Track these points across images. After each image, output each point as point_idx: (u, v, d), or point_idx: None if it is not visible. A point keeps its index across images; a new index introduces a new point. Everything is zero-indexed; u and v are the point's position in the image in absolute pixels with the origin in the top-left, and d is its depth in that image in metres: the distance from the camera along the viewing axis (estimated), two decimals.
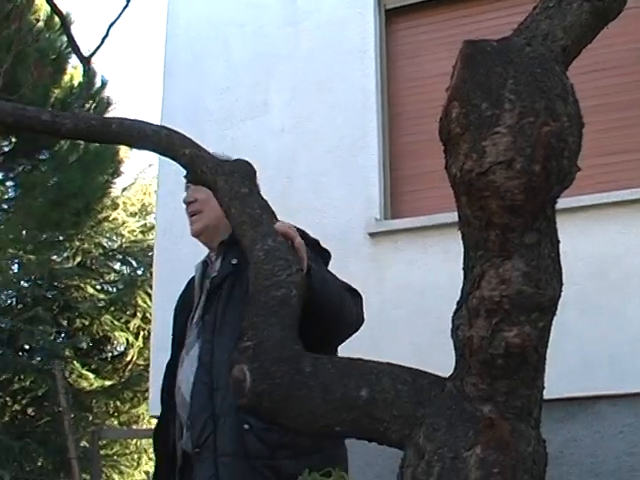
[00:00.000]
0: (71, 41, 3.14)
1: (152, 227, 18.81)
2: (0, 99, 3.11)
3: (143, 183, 20.18)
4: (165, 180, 7.21)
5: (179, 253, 6.82)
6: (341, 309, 3.16)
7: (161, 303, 6.99)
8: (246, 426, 3.00)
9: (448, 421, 2.05)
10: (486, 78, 1.83)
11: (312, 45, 7.18)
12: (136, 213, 19.49)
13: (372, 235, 6.58)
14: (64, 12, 12.23)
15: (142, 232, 18.84)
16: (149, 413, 7.85)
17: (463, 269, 2.00)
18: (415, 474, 2.03)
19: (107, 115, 12.20)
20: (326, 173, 6.81)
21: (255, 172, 2.78)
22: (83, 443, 15.98)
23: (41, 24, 11.69)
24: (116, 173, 13.61)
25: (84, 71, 2.93)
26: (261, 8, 7.49)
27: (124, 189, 18.45)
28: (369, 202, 6.66)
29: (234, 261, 3.30)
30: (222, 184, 2.70)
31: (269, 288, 2.40)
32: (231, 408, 3.04)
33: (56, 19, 12.11)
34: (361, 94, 6.94)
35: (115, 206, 17.26)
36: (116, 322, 17.54)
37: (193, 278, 3.54)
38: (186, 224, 6.85)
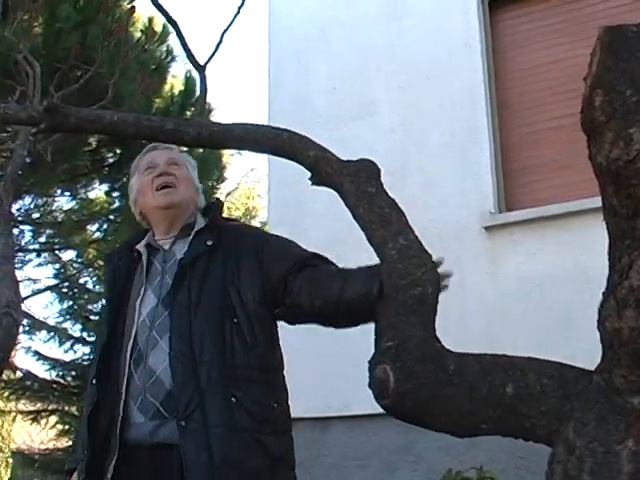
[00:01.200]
0: (186, 49, 3.17)
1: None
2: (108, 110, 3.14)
3: (246, 187, 20.38)
4: (275, 184, 7.25)
5: None
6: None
7: None
8: (233, 399, 3.01)
9: (597, 415, 2.01)
10: (629, 64, 1.78)
11: (416, 41, 7.10)
12: (241, 217, 19.65)
13: (487, 229, 6.49)
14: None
15: None
16: None
17: (609, 259, 1.96)
18: (566, 470, 2.00)
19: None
20: (438, 169, 6.74)
21: (380, 171, 2.76)
22: None
23: (139, 35, 11.83)
24: (220, 179, 13.68)
25: (201, 78, 2.96)
26: (363, 6, 7.46)
27: (228, 194, 18.63)
28: (483, 196, 6.57)
29: (209, 242, 3.28)
30: (348, 185, 2.69)
31: (406, 287, 2.38)
32: (218, 381, 3.04)
33: (156, 29, 12.29)
34: (469, 88, 6.85)
35: None
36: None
37: (115, 261, 3.48)
38: (298, 225, 6.95)
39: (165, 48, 12.40)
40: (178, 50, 12.25)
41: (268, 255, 3.25)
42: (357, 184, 2.68)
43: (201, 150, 12.19)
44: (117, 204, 13.16)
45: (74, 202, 13.50)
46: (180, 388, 3.00)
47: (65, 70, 6.59)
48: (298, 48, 7.60)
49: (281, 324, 3.22)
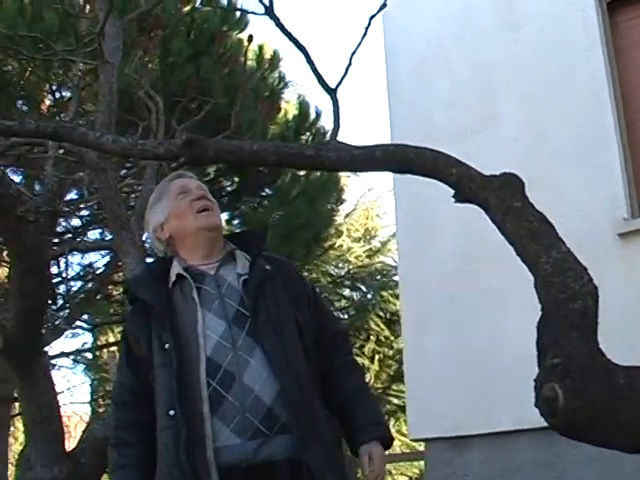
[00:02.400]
0: (316, 74, 3.13)
1: (378, 250, 18.93)
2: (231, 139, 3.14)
3: (364, 208, 20.39)
4: (402, 203, 7.22)
5: (423, 272, 6.80)
6: None
7: (411, 326, 7.00)
8: (327, 412, 3.20)
9: None
10: None
11: (535, 49, 6.98)
12: (360, 238, 19.66)
13: (622, 235, 6.30)
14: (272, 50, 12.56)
15: (368, 256, 18.96)
16: (410, 436, 7.82)
17: None
18: None
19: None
20: (566, 177, 6.58)
21: (524, 184, 2.69)
22: None
23: (252, 63, 11.93)
24: (339, 201, 13.71)
25: (333, 102, 2.93)
26: (477, 18, 7.38)
27: (347, 215, 18.67)
28: (615, 202, 6.39)
29: (268, 267, 3.37)
30: (493, 200, 2.62)
31: (566, 301, 2.30)
32: (315, 396, 3.19)
33: (266, 56, 12.41)
34: (593, 93, 6.68)
35: (339, 233, 17.44)
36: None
37: (145, 288, 3.45)
38: (428, 244, 6.90)
39: (277, 74, 12.52)
40: (290, 76, 12.34)
41: (320, 310, 3.52)
42: (502, 199, 2.61)
43: (319, 173, 12.28)
44: (238, 231, 13.29)
45: None
46: (291, 403, 3.07)
47: (185, 103, 6.66)
48: (416, 65, 7.56)
49: None
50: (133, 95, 6.70)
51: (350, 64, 3.31)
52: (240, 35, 11.86)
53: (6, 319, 4.70)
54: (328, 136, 12.25)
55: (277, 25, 3.25)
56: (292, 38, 3.24)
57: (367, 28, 3.41)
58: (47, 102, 11.71)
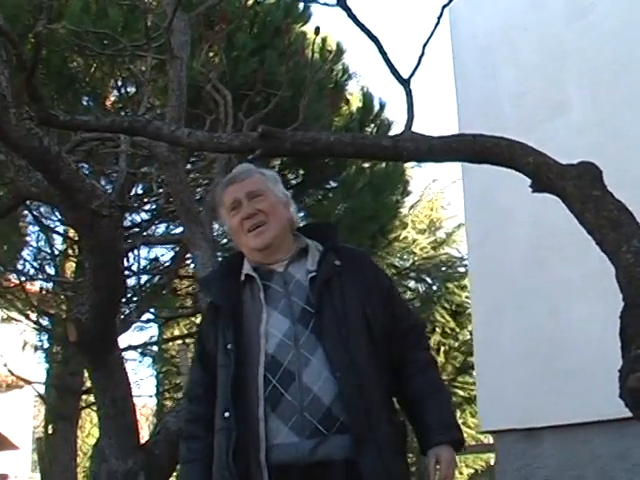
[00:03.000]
0: (389, 64, 3.11)
1: (443, 242, 18.88)
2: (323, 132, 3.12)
3: (429, 199, 20.34)
4: (471, 194, 7.18)
5: (493, 264, 6.76)
6: None
7: (481, 317, 6.96)
8: (388, 422, 3.13)
9: None
10: None
11: (605, 35, 6.84)
12: (425, 230, 19.61)
13: None
14: (336, 43, 12.53)
15: (433, 248, 18.92)
16: (480, 428, 7.78)
17: None
18: None
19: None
20: (639, 165, 6.48)
21: (601, 173, 2.66)
22: None
23: (315, 55, 11.90)
24: (405, 192, 13.65)
25: (406, 93, 2.90)
26: (543, 8, 7.28)
27: (411, 207, 18.63)
28: None
29: (337, 262, 3.35)
30: (571, 189, 2.60)
31: None
32: (376, 396, 3.15)
33: (329, 48, 12.37)
34: None
35: (404, 225, 17.41)
36: None
37: (218, 286, 3.54)
38: (497, 234, 6.85)
39: (341, 67, 12.48)
40: (354, 67, 12.31)
41: (395, 304, 3.46)
42: (580, 188, 2.59)
43: (384, 164, 12.25)
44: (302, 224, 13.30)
45: None
46: (350, 404, 3.06)
47: (252, 96, 6.68)
48: (482, 56, 7.50)
49: None
50: (200, 89, 6.73)
51: (423, 54, 3.30)
52: (304, 28, 11.87)
53: (80, 313, 4.75)
54: (391, 128, 12.20)
55: (349, 16, 3.24)
56: (364, 29, 3.23)
57: (439, 17, 3.39)
58: (112, 98, 11.81)
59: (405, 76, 3.16)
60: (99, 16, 9.47)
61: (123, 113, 10.82)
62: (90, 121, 3.37)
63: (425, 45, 3.25)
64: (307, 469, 3.04)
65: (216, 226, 4.92)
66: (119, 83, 11.41)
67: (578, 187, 2.60)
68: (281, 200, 3.51)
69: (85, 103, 11.27)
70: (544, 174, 2.68)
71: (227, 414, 3.14)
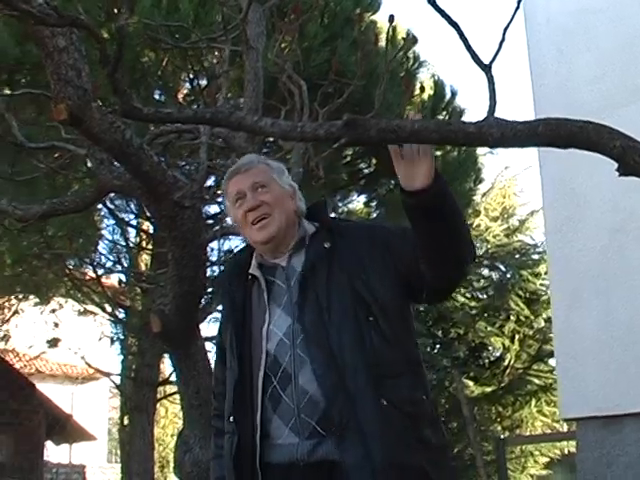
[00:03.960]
0: (470, 50, 3.09)
1: (516, 229, 18.77)
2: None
3: (501, 186, 20.23)
4: (548, 179, 7.10)
5: (571, 249, 6.69)
6: (462, 232, 3.12)
7: (560, 303, 6.89)
8: (384, 402, 2.97)
9: None
10: None
11: None
12: (498, 217, 19.51)
13: None
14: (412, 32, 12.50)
15: (506, 235, 18.83)
16: (561, 416, 7.71)
17: None
18: None
19: None
20: None
21: None
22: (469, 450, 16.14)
23: (386, 44, 11.86)
24: (477, 180, 13.60)
25: (488, 78, 2.88)
26: None
27: (484, 194, 18.55)
28: None
29: (326, 244, 3.22)
30: None
31: None
32: (365, 385, 2.99)
33: (399, 37, 12.34)
34: None
35: (477, 213, 17.37)
36: (491, 328, 17.58)
37: (227, 286, 3.50)
38: (576, 220, 6.78)
39: (411, 55, 12.45)
40: (424, 55, 12.27)
41: (393, 240, 3.21)
42: None
43: (456, 152, 12.21)
44: (375, 214, 13.31)
45: (333, 215, 13.79)
46: (330, 400, 2.99)
47: (326, 86, 6.68)
48: (558, 40, 7.40)
49: None
50: (274, 80, 6.76)
51: (503, 39, 3.26)
52: (373, 17, 11.87)
53: (164, 304, 4.82)
54: (463, 115, 12.13)
55: (429, 2, 3.23)
56: (445, 15, 3.21)
57: (519, 1, 3.35)
58: (184, 91, 11.92)
59: (485, 62, 3.14)
60: (169, 10, 9.56)
61: (195, 106, 10.91)
62: (173, 113, 3.38)
63: (505, 29, 3.23)
64: (307, 469, 3.02)
65: None
66: (191, 76, 11.51)
67: None
68: (287, 191, 3.41)
69: (157, 97, 11.39)
70: (631, 157, 2.65)
71: (231, 418, 3.19)
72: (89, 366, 17.14)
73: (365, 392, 2.98)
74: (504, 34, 3.22)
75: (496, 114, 2.85)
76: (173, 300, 4.75)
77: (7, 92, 5.85)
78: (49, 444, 21.36)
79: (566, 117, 2.83)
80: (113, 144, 3.84)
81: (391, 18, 6.04)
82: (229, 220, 3.57)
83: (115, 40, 3.57)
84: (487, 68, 3.11)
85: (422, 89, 11.16)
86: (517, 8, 3.37)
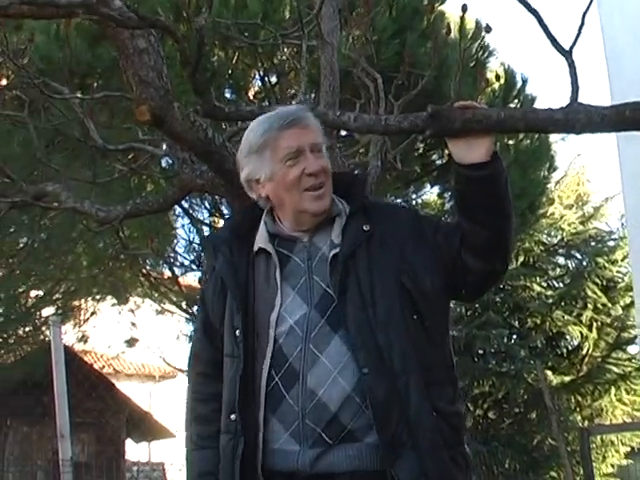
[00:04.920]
0: (550, 36, 3.08)
1: (591, 216, 18.58)
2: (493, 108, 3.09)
3: (574, 174, 20.03)
4: (627, 164, 7.04)
5: None
6: (509, 214, 2.89)
7: None
8: (434, 413, 2.68)
9: None
10: None
11: None
12: (572, 205, 19.33)
13: None
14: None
15: (581, 223, 18.65)
16: None
17: None
18: None
19: None
20: None
21: None
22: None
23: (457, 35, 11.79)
24: (551, 168, 13.44)
25: (569, 64, 2.84)
26: None
27: (557, 182, 18.37)
28: None
29: (366, 227, 2.83)
30: None
31: None
32: (418, 393, 2.67)
33: (468, 27, 12.24)
34: None
35: (551, 201, 17.20)
36: (568, 317, 17.42)
37: (225, 251, 2.97)
38: None
39: (481, 44, 12.33)
40: (495, 44, 12.19)
41: (437, 229, 2.92)
42: None
43: (528, 141, 12.09)
44: (448, 205, 13.24)
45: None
46: (382, 409, 2.64)
47: (399, 78, 6.66)
48: (632, 25, 7.32)
49: None
50: (348, 73, 6.76)
51: (583, 24, 3.24)
52: (441, 7, 11.80)
53: None
54: (535, 103, 12.02)
55: None
56: (524, 2, 3.21)
57: None
58: (254, 89, 11.96)
59: (566, 47, 3.12)
60: (238, 8, 9.61)
61: (266, 103, 10.95)
62: (255, 110, 3.42)
63: (585, 14, 3.20)
64: None
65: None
66: (261, 73, 11.55)
67: None
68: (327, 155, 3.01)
69: (228, 95, 11.45)
70: None
71: (233, 416, 2.79)
72: (167, 364, 17.29)
73: (418, 400, 2.68)
74: (583, 19, 3.19)
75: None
76: None
77: (84, 96, 5.94)
78: (129, 442, 21.59)
79: None
80: (195, 143, 3.88)
81: (464, 7, 6.02)
82: (244, 174, 2.94)
83: (194, 40, 3.61)
84: (568, 53, 3.08)
85: (497, 78, 11.09)
86: None
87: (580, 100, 2.79)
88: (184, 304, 13.90)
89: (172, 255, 13.33)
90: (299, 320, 2.75)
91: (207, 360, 3.02)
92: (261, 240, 2.93)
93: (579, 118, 2.71)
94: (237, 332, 2.81)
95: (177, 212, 12.94)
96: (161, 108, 3.87)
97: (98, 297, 15.23)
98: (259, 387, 2.75)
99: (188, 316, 14.41)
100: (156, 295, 14.20)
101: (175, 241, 13.41)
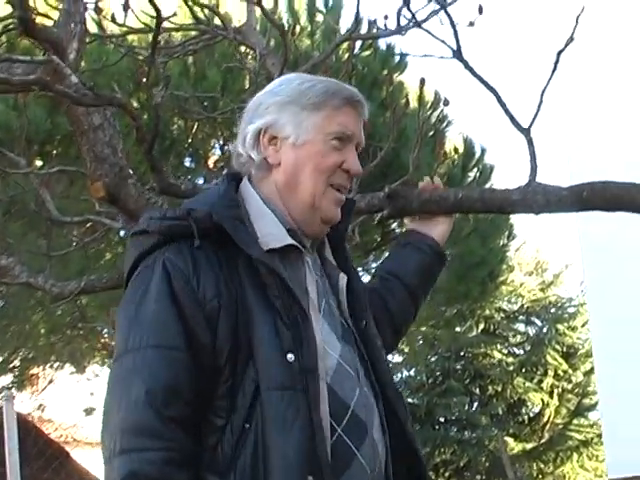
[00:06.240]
0: (508, 113, 3.09)
1: (550, 283, 18.71)
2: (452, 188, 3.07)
3: (534, 241, 20.25)
4: (587, 238, 7.07)
5: (613, 305, 6.63)
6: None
7: (604, 362, 6.82)
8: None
9: None
10: None
11: None
12: (532, 272, 19.50)
13: None
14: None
15: (541, 290, 18.79)
16: (608, 477, 7.58)
17: None
18: None
19: (490, 182, 12.22)
20: None
21: None
22: None
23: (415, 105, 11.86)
24: (511, 236, 13.52)
25: (527, 141, 2.82)
26: None
27: (516, 250, 18.52)
28: None
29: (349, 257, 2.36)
30: None
31: None
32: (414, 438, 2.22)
33: (426, 98, 12.34)
34: None
35: (511, 268, 17.30)
36: (529, 383, 17.51)
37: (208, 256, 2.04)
38: (616, 275, 6.69)
39: (438, 115, 12.41)
40: (453, 114, 12.26)
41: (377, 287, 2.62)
42: None
43: None
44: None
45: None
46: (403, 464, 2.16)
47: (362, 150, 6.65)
48: (593, 105, 7.36)
49: None
50: None
51: (541, 102, 3.25)
52: (400, 78, 11.88)
53: None
54: (493, 172, 12.07)
55: (466, 67, 3.23)
56: (482, 80, 3.21)
57: (556, 64, 3.34)
58: (214, 157, 11.96)
59: (525, 125, 3.12)
60: (198, 78, 9.63)
61: (226, 171, 10.94)
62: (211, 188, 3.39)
63: (543, 92, 3.21)
64: None
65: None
66: (221, 142, 11.55)
67: None
68: None
69: (187, 164, 11.44)
70: None
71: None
72: None
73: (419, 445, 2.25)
74: (542, 97, 3.20)
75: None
76: None
77: (41, 168, 5.88)
78: None
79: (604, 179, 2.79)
80: None
81: (422, 81, 6.05)
82: (261, 121, 2.21)
83: (150, 117, 3.58)
84: (526, 131, 3.08)
85: (456, 150, 11.14)
86: (553, 71, 3.35)
87: (540, 177, 2.79)
88: None
89: None
90: (344, 355, 2.10)
91: (187, 399, 1.94)
92: (284, 237, 2.14)
93: (536, 199, 2.70)
94: (289, 356, 1.95)
95: None
96: (116, 185, 3.80)
97: (56, 365, 15.07)
98: (322, 440, 1.95)
99: None
100: None
101: None
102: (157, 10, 3.47)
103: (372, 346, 2.22)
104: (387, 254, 2.86)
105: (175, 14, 4.78)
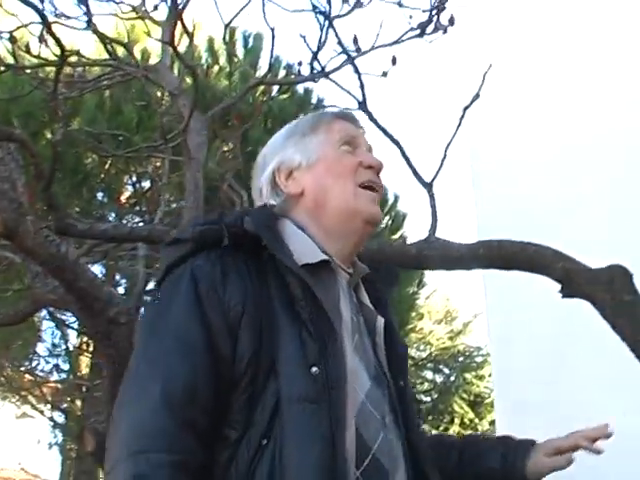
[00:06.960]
0: (412, 168, 3.09)
1: (459, 332, 18.86)
2: None
3: (444, 290, 20.39)
4: (491, 289, 7.12)
5: (515, 356, 6.67)
6: None
7: (504, 411, 6.85)
8: None
9: None
10: None
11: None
12: (441, 320, 19.63)
13: None
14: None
15: (450, 338, 18.93)
16: None
17: None
18: None
19: (402, 230, 12.32)
20: None
21: (632, 275, 2.60)
22: None
23: None
24: (421, 284, 13.64)
25: (430, 196, 2.83)
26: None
27: (426, 298, 18.65)
28: None
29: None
30: (602, 295, 2.54)
31: None
32: None
33: None
34: None
35: (420, 316, 17.43)
36: (435, 431, 17.54)
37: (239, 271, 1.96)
38: (520, 324, 6.72)
39: (407, 164, 12.50)
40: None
41: None
42: (612, 293, 2.53)
43: None
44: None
45: None
46: None
47: None
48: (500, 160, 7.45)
49: None
50: (216, 188, 6.70)
51: (445, 157, 3.26)
52: None
53: (98, 422, 4.65)
54: (405, 219, 12.17)
55: (371, 119, 3.22)
56: (386, 132, 3.21)
57: (461, 119, 3.36)
58: (126, 193, 11.88)
59: (427, 179, 3.13)
60: (113, 113, 9.56)
61: (138, 208, 10.87)
62: (108, 230, 3.34)
63: (447, 148, 3.22)
64: None
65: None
66: (134, 179, 11.48)
67: (609, 292, 2.54)
68: None
69: (100, 199, 11.34)
70: (574, 280, 2.63)
71: None
72: (25, 472, 16.74)
73: None
74: (445, 152, 3.21)
75: (443, 231, 2.83)
76: (107, 418, 4.59)
77: None
78: None
79: (511, 232, 2.81)
80: (47, 258, 3.72)
81: None
82: (275, 162, 2.22)
83: (50, 154, 3.52)
84: (428, 186, 3.08)
85: None
86: (459, 126, 3.37)
87: (442, 232, 2.79)
88: (45, 409, 13.52)
89: (34, 360, 12.96)
90: (371, 394, 1.92)
91: (205, 406, 1.81)
92: (317, 253, 2.05)
93: (432, 255, 2.70)
94: (314, 369, 1.82)
95: (43, 314, 12.64)
96: (14, 220, 3.71)
97: None
98: (345, 471, 1.78)
99: (49, 422, 14.03)
100: (16, 399, 13.78)
101: (37, 345, 13.05)
102: (60, 45, 3.43)
103: (406, 407, 2.04)
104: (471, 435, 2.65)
105: (78, 51, 4.69)
